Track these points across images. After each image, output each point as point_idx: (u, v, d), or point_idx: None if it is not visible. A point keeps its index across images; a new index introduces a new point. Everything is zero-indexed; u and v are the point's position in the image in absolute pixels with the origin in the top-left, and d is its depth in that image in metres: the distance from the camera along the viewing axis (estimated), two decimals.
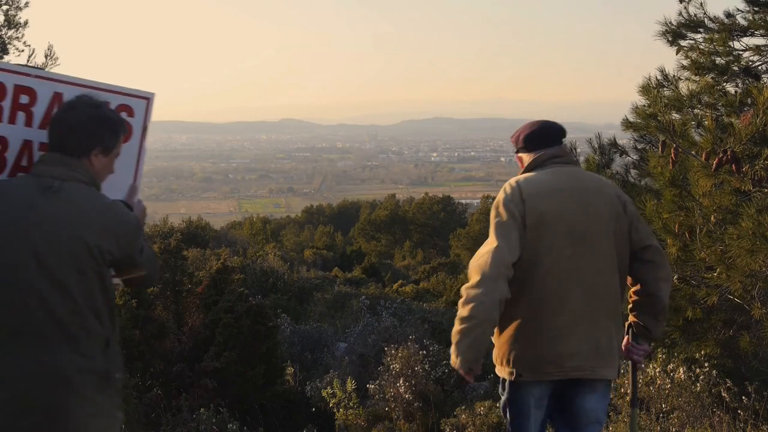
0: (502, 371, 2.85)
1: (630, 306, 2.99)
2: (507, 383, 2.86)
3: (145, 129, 2.76)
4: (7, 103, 2.51)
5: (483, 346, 2.67)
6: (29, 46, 12.74)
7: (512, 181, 2.83)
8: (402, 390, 6.29)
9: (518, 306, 2.73)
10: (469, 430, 5.51)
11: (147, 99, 2.76)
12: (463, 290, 2.71)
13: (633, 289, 2.95)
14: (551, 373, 2.75)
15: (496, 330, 2.83)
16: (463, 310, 2.68)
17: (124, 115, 2.67)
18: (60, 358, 2.16)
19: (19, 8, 12.49)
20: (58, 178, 2.24)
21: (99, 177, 2.38)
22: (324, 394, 6.43)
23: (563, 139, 3.06)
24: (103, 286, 2.24)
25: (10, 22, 12.35)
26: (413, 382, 6.36)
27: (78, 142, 2.30)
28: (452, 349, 2.72)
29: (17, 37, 12.53)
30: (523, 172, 2.91)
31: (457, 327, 2.70)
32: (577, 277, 2.71)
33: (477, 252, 2.76)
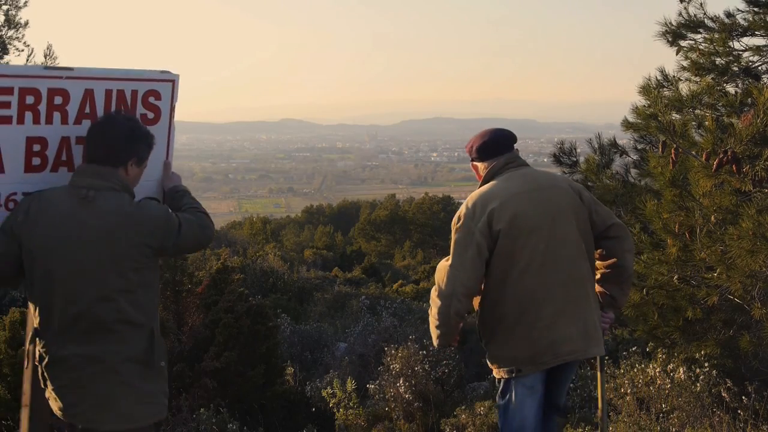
0: (500, 372, 3.01)
1: (597, 278, 3.17)
2: (503, 382, 3.03)
3: (172, 109, 2.93)
4: (42, 107, 2.69)
5: (452, 335, 3.05)
6: (29, 45, 12.75)
7: (473, 195, 3.01)
8: (402, 390, 6.29)
9: (506, 305, 2.92)
10: (469, 430, 5.51)
11: (172, 81, 2.92)
12: (432, 293, 3.01)
13: (602, 263, 3.15)
14: (547, 362, 2.93)
15: (486, 334, 3.04)
16: (431, 311, 3.02)
17: (152, 99, 2.87)
18: (106, 350, 2.43)
19: (18, 8, 12.49)
20: (93, 189, 2.49)
21: (133, 183, 2.64)
22: (324, 394, 6.43)
23: (515, 144, 3.26)
24: (143, 282, 2.49)
25: (10, 22, 12.36)
26: (413, 382, 6.36)
27: (116, 155, 2.56)
28: (432, 335, 3.08)
29: (17, 37, 12.53)
30: (482, 183, 3.09)
31: (431, 322, 3.04)
32: (554, 269, 2.91)
33: (440, 263, 3.01)
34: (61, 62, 13.30)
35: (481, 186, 3.08)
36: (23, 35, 12.62)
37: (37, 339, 2.51)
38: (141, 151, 2.63)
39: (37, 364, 2.54)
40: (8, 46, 12.42)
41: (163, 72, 2.93)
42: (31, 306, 2.55)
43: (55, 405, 2.55)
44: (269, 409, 6.58)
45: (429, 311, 3.07)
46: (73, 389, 2.48)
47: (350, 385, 6.34)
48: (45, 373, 2.51)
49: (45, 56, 13.13)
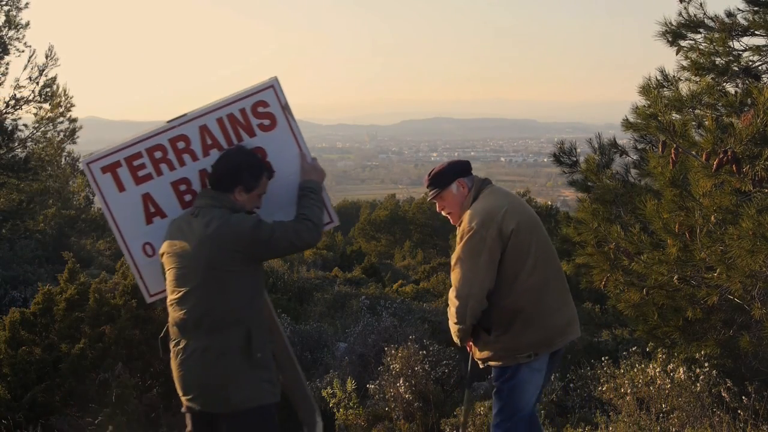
0: (514, 359, 3.31)
1: None
2: (512, 368, 3.32)
3: (284, 108, 3.24)
4: (171, 155, 3.20)
5: (470, 332, 3.40)
6: (30, 46, 12.77)
7: (478, 210, 3.33)
8: (402, 390, 6.28)
9: (522, 298, 3.28)
10: (470, 429, 5.51)
11: (271, 86, 3.23)
12: (450, 293, 3.34)
13: None
14: (558, 343, 3.36)
15: (501, 327, 3.31)
16: (450, 311, 3.37)
17: (261, 109, 3.22)
18: (210, 345, 2.93)
19: (19, 8, 12.49)
20: (200, 207, 3.04)
21: (245, 206, 3.09)
22: (324, 394, 6.43)
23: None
24: (238, 284, 2.95)
25: (11, 23, 12.36)
26: (413, 382, 6.36)
27: (223, 183, 3.06)
28: (452, 334, 3.43)
29: (18, 38, 12.55)
30: (473, 197, 3.44)
31: (450, 321, 3.38)
32: (549, 264, 3.37)
33: (457, 272, 3.30)
34: (62, 63, 13.30)
35: (473, 201, 3.42)
36: (24, 35, 12.63)
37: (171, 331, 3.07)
38: (245, 181, 3.06)
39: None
40: (9, 46, 12.42)
41: (261, 84, 3.24)
42: None
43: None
44: None
45: (447, 311, 3.42)
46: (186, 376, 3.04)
47: (350, 385, 6.33)
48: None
49: (46, 57, 13.14)
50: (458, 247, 3.29)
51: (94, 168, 3.24)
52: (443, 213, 3.57)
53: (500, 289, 3.27)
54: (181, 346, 3.01)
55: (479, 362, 3.53)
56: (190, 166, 3.22)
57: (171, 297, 3.06)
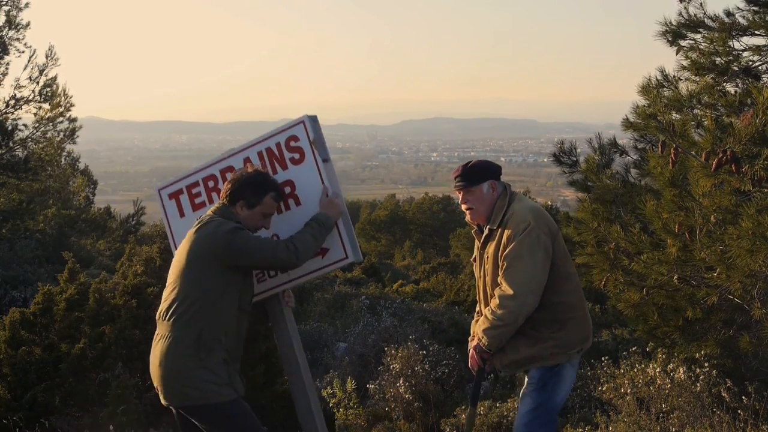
0: (566, 356, 3.38)
1: None
2: (559, 366, 3.38)
3: (312, 144, 3.42)
4: (221, 185, 3.47)
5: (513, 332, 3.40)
6: (30, 47, 12.76)
7: (530, 209, 3.39)
8: (402, 390, 6.28)
9: (573, 296, 3.41)
10: None
11: (302, 122, 3.43)
12: (502, 299, 3.29)
13: None
14: (591, 340, 3.53)
15: (558, 323, 3.36)
16: (497, 313, 3.30)
17: (293, 143, 3.44)
18: (166, 336, 3.14)
19: (19, 8, 12.49)
20: (207, 216, 3.26)
21: (246, 222, 3.27)
22: (324, 394, 6.43)
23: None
24: (204, 284, 3.10)
25: (11, 23, 12.36)
26: (413, 382, 6.36)
27: (231, 195, 3.27)
28: (491, 337, 3.36)
29: (18, 38, 12.55)
30: (509, 200, 3.47)
31: (495, 323, 3.31)
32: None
33: (514, 269, 3.28)
34: (62, 63, 13.29)
35: (507, 202, 3.46)
36: (24, 36, 12.63)
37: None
38: (246, 196, 3.25)
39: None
40: (9, 46, 12.42)
41: (294, 120, 3.45)
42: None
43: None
44: (269, 409, 6.58)
45: (491, 314, 3.32)
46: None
47: (350, 385, 6.33)
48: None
49: (47, 57, 13.13)
50: (513, 246, 3.27)
51: (164, 194, 3.63)
52: (464, 207, 3.55)
53: (556, 286, 3.33)
54: (155, 337, 3.24)
55: (507, 368, 3.49)
56: None
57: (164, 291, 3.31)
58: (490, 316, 3.33)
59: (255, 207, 3.28)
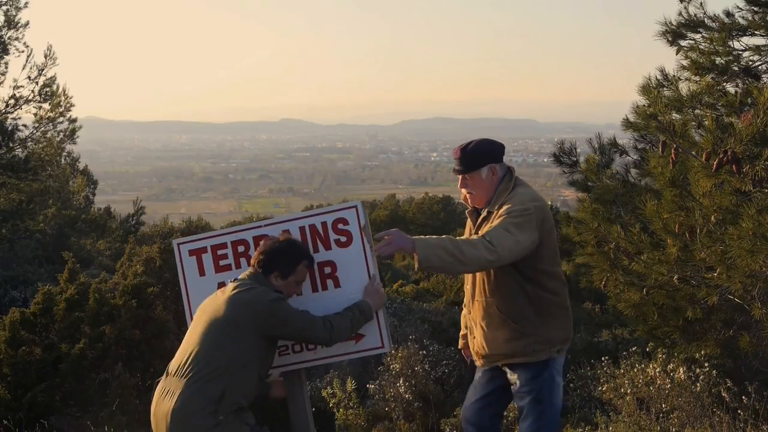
0: (547, 352, 3.29)
1: None
2: (549, 362, 3.31)
3: (361, 230, 3.43)
4: (252, 252, 3.44)
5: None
6: (29, 46, 12.75)
7: (530, 196, 3.30)
8: (402, 390, 6.28)
9: (561, 291, 3.37)
10: None
11: (354, 207, 3.47)
12: (480, 246, 3.07)
13: None
14: (569, 342, 3.44)
15: (543, 316, 3.30)
16: (467, 253, 3.06)
17: (341, 226, 3.44)
18: (183, 392, 3.03)
19: (18, 8, 12.48)
20: (239, 279, 3.25)
21: (285, 290, 3.27)
22: (324, 394, 6.43)
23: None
24: (235, 347, 3.06)
25: (11, 23, 12.35)
26: (413, 382, 6.36)
27: (264, 266, 3.25)
28: (447, 255, 3.09)
29: (17, 38, 12.54)
30: (513, 183, 3.37)
31: (457, 254, 3.06)
32: None
33: (509, 232, 3.13)
34: (62, 63, 13.29)
35: (512, 186, 3.35)
36: (23, 36, 12.63)
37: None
38: (281, 267, 3.25)
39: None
40: (8, 46, 12.42)
41: (346, 202, 3.53)
42: None
43: None
44: (269, 409, 6.58)
45: (459, 250, 3.07)
46: None
47: (350, 385, 6.33)
48: None
49: (45, 56, 13.14)
50: (505, 212, 3.17)
51: (183, 249, 3.56)
52: (463, 191, 3.46)
53: (544, 279, 3.30)
54: (160, 386, 3.14)
55: (486, 360, 3.44)
56: None
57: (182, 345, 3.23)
58: (466, 249, 3.07)
59: (289, 276, 3.29)
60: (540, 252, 3.26)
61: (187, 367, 3.06)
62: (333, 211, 3.50)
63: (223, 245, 3.52)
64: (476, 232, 3.40)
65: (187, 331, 3.24)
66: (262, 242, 3.34)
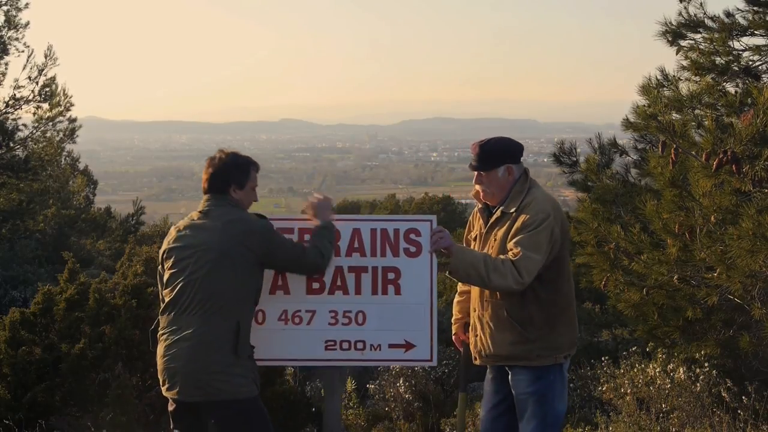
0: (553, 358, 3.29)
1: None
2: (554, 368, 3.30)
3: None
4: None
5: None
6: (29, 46, 12.76)
7: (548, 200, 3.32)
8: (402, 390, 6.29)
9: (568, 296, 3.36)
10: (469, 430, 5.51)
11: (429, 221, 3.50)
12: (505, 271, 3.16)
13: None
14: (575, 347, 3.46)
15: (551, 322, 3.28)
16: (493, 278, 3.17)
17: (413, 236, 3.48)
18: (200, 332, 3.08)
19: (19, 9, 12.49)
20: (205, 210, 3.25)
21: (243, 202, 3.29)
22: (324, 394, 6.43)
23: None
24: (240, 279, 3.10)
25: (11, 23, 12.36)
26: (413, 382, 6.36)
27: (219, 183, 3.26)
28: (479, 274, 3.21)
29: (17, 38, 12.54)
30: (529, 186, 3.36)
31: (488, 277, 3.18)
32: None
33: (532, 258, 3.18)
34: (62, 63, 13.30)
35: (528, 190, 3.35)
36: (23, 36, 12.63)
37: None
38: (236, 178, 3.26)
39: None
40: (8, 46, 12.42)
41: (422, 216, 3.58)
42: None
43: None
44: (269, 409, 6.58)
45: (488, 275, 3.18)
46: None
47: (350, 385, 6.33)
48: None
49: (45, 56, 13.13)
50: (527, 235, 3.19)
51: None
52: (477, 187, 3.45)
53: (557, 283, 3.31)
54: (170, 331, 3.14)
55: (487, 360, 3.44)
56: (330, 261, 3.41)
57: (173, 285, 3.18)
58: (493, 271, 3.17)
59: (245, 185, 3.31)
60: (561, 253, 3.31)
61: (196, 305, 3.08)
62: (407, 220, 3.56)
63: (290, 230, 3.48)
64: (487, 232, 3.41)
65: (174, 271, 3.19)
66: (206, 166, 3.34)
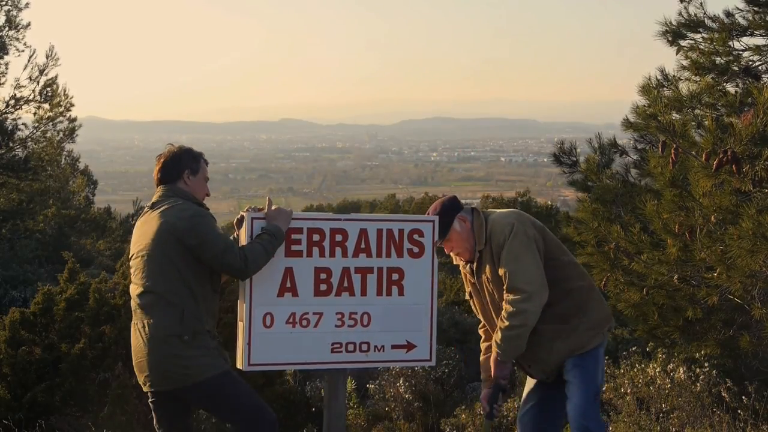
0: (601, 335, 3.40)
1: None
2: (599, 346, 3.39)
3: (433, 245, 3.49)
4: (326, 243, 3.40)
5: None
6: (29, 46, 12.77)
7: (507, 214, 3.45)
8: (402, 390, 6.29)
9: (585, 277, 3.49)
10: (469, 429, 5.51)
11: (432, 222, 3.48)
12: (517, 303, 3.25)
13: None
14: (612, 318, 3.58)
15: (583, 306, 3.36)
16: (522, 321, 3.25)
17: (416, 237, 3.48)
18: (146, 325, 3.18)
19: (19, 9, 12.50)
20: (156, 201, 3.27)
21: (196, 191, 3.33)
22: (327, 396, 6.43)
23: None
24: (174, 269, 3.12)
25: (11, 23, 12.36)
26: (413, 382, 6.36)
27: (172, 171, 3.30)
28: (508, 348, 3.33)
29: (18, 38, 12.55)
30: (483, 217, 3.45)
31: (518, 332, 3.27)
32: None
33: (518, 271, 3.25)
34: (61, 63, 13.29)
35: (483, 219, 3.43)
36: (24, 36, 12.63)
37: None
38: (188, 164, 3.32)
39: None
40: (9, 46, 12.42)
41: (425, 216, 3.53)
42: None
43: None
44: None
45: (508, 321, 3.26)
46: None
47: (350, 385, 6.34)
48: None
49: (47, 57, 13.14)
50: (506, 251, 3.26)
51: (256, 225, 3.35)
52: (452, 254, 3.55)
53: (566, 273, 3.37)
54: (133, 324, 3.27)
55: (553, 373, 3.41)
56: (337, 259, 3.42)
57: (131, 279, 3.31)
58: (508, 324, 3.26)
59: (198, 173, 3.35)
60: (549, 247, 3.36)
61: (144, 299, 3.16)
62: (411, 220, 3.57)
63: (299, 230, 3.40)
64: (478, 278, 3.45)
65: (134, 262, 3.27)
66: (157, 160, 3.37)
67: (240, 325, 3.39)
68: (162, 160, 3.34)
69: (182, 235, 3.12)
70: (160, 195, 3.29)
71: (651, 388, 5.36)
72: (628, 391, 5.41)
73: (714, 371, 5.33)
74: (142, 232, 3.23)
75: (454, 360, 7.16)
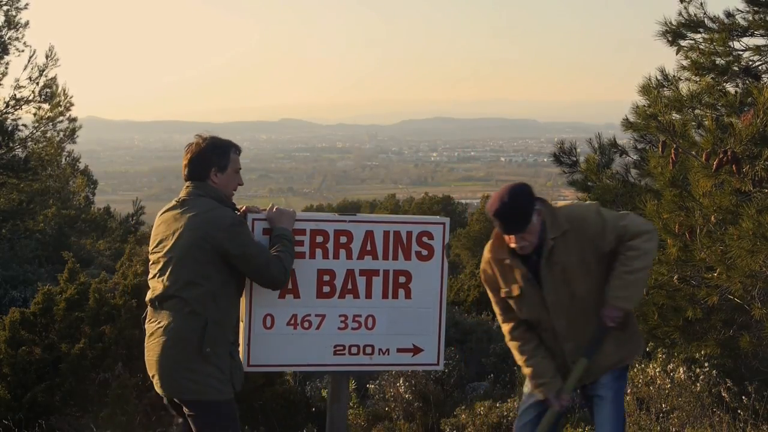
0: (634, 357, 3.39)
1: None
2: (626, 368, 3.31)
3: (443, 249, 3.45)
4: (330, 245, 3.35)
5: None
6: (29, 46, 12.76)
7: (577, 203, 3.40)
8: (402, 390, 6.29)
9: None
10: (469, 430, 5.51)
11: (443, 224, 3.47)
12: (643, 245, 3.02)
13: None
14: None
15: (628, 323, 3.17)
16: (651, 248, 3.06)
17: (425, 239, 3.43)
18: (168, 326, 3.05)
19: (19, 9, 12.49)
20: (184, 198, 3.16)
21: (227, 187, 3.21)
22: (324, 394, 6.43)
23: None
24: (205, 278, 3.02)
25: (11, 23, 12.36)
26: (413, 382, 6.36)
27: (199, 169, 3.17)
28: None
29: (17, 38, 12.55)
30: (553, 210, 3.21)
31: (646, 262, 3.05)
32: None
33: (631, 216, 3.10)
34: (61, 63, 13.29)
35: (548, 205, 3.17)
36: (24, 35, 12.62)
37: None
38: (216, 161, 3.16)
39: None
40: (9, 46, 12.41)
41: (434, 218, 3.52)
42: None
43: None
44: (269, 409, 6.58)
45: (637, 265, 3.00)
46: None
47: (350, 385, 6.34)
48: None
49: (46, 57, 13.13)
50: (607, 217, 3.05)
51: (258, 226, 3.30)
52: (514, 245, 3.07)
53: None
54: (149, 323, 3.14)
55: (592, 376, 3.17)
56: (341, 261, 3.37)
57: (152, 276, 3.16)
58: (636, 266, 2.97)
59: (227, 168, 3.19)
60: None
61: (169, 302, 3.04)
62: (420, 222, 3.47)
63: (302, 231, 3.32)
64: (544, 271, 3.10)
65: (152, 262, 3.16)
66: (185, 153, 3.22)
67: (240, 326, 3.36)
68: (189, 155, 3.19)
69: (221, 245, 3.01)
70: (188, 192, 3.16)
71: (651, 388, 5.36)
72: (628, 391, 5.40)
73: (714, 371, 5.32)
74: (173, 231, 3.08)
75: (454, 360, 7.15)
